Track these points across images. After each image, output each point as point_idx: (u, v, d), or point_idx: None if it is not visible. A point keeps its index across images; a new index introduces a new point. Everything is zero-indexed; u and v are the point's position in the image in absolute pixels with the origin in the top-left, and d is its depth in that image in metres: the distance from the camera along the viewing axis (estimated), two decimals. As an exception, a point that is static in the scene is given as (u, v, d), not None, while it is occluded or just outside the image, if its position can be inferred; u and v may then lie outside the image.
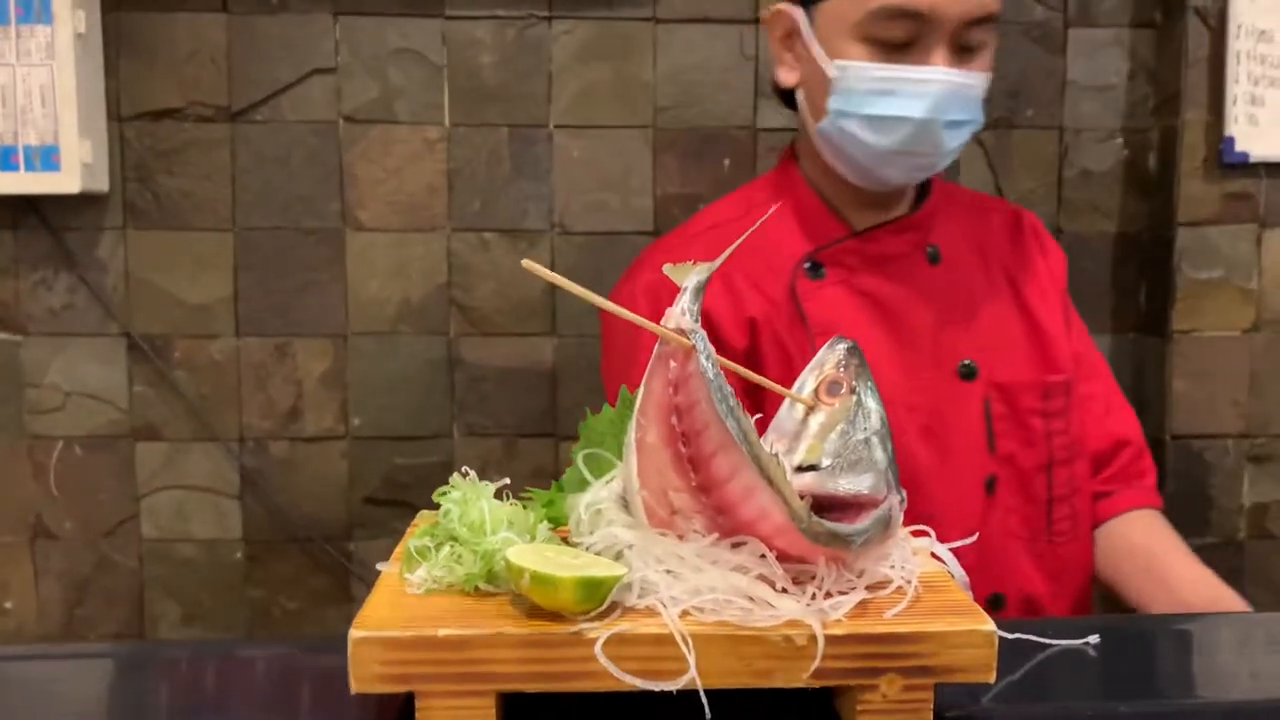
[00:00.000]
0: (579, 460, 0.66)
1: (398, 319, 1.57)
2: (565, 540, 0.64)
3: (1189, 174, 1.51)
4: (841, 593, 0.58)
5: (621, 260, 1.59)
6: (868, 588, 0.59)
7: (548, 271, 0.53)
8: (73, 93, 1.45)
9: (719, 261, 0.63)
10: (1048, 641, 0.66)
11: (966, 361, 1.15)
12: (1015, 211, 1.29)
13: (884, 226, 1.16)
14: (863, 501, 0.61)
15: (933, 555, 0.63)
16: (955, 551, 1.07)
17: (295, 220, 1.55)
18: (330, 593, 1.61)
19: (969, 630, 0.56)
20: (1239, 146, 1.50)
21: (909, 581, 0.60)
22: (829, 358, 0.66)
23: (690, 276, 0.61)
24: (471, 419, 1.59)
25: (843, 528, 0.58)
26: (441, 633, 0.55)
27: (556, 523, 0.66)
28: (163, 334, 1.56)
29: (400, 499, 1.58)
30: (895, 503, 0.61)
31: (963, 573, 0.63)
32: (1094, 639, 0.67)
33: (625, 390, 0.69)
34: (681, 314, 0.59)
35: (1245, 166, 1.51)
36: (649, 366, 0.60)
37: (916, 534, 0.63)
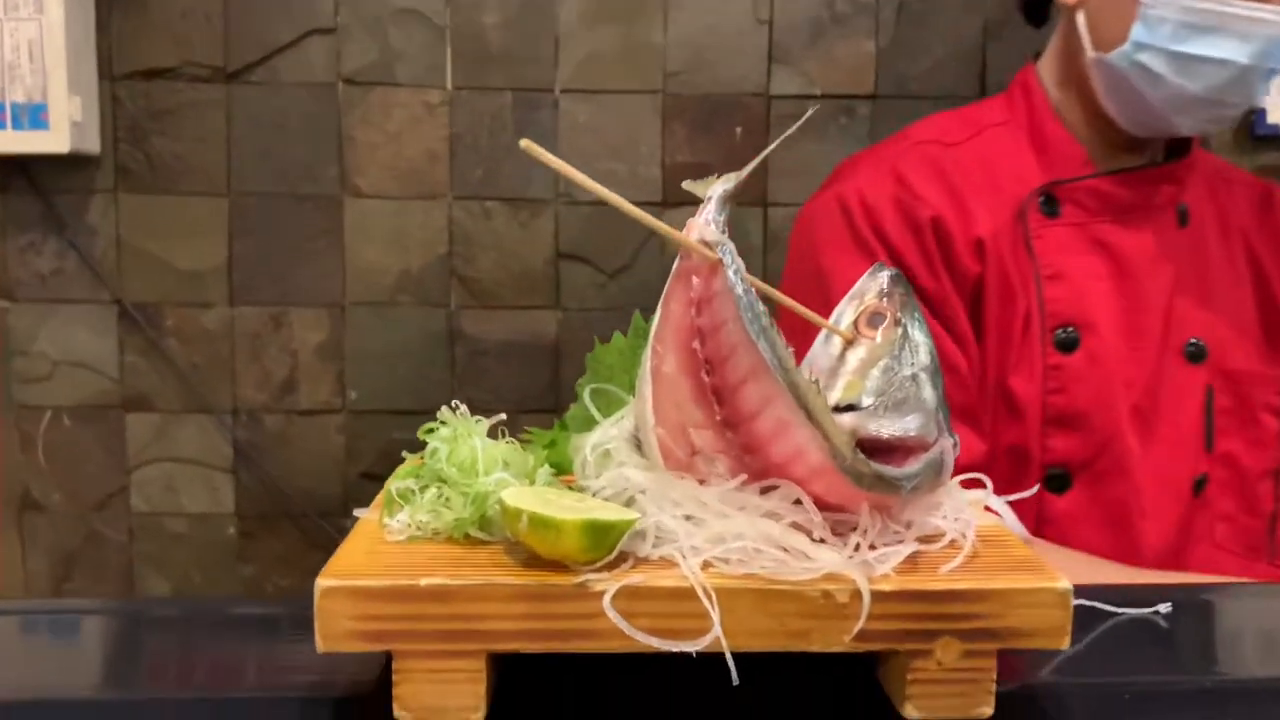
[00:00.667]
0: (585, 396, 0.56)
1: (396, 289, 1.48)
2: (569, 487, 0.55)
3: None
4: (888, 545, 0.49)
5: (629, 231, 1.50)
6: (916, 541, 0.50)
7: (548, 155, 0.45)
8: (62, 48, 1.36)
9: (747, 171, 0.54)
10: (1115, 609, 0.56)
11: (1195, 340, 0.99)
12: (1265, 187, 1.12)
13: (1137, 171, 1.00)
14: (910, 444, 0.51)
15: (986, 509, 0.54)
16: (1150, 553, 0.92)
17: (292, 186, 1.46)
18: (324, 571, 1.52)
19: (1040, 588, 0.47)
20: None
21: (964, 535, 0.50)
22: (870, 286, 0.57)
23: (716, 186, 0.52)
24: (472, 393, 1.49)
25: (892, 470, 0.48)
26: (424, 582, 0.45)
27: (560, 469, 0.57)
28: (154, 302, 1.47)
29: (397, 475, 1.49)
30: (948, 446, 0.52)
31: (1022, 527, 0.54)
32: (1165, 608, 0.58)
33: (639, 316, 0.60)
34: (706, 224, 0.50)
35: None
36: (667, 286, 0.51)
37: (968, 484, 0.54)
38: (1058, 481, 0.94)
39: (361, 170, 1.46)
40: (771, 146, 0.54)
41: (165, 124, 1.45)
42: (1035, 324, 0.96)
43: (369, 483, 1.50)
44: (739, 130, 1.47)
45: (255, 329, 1.48)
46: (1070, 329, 0.96)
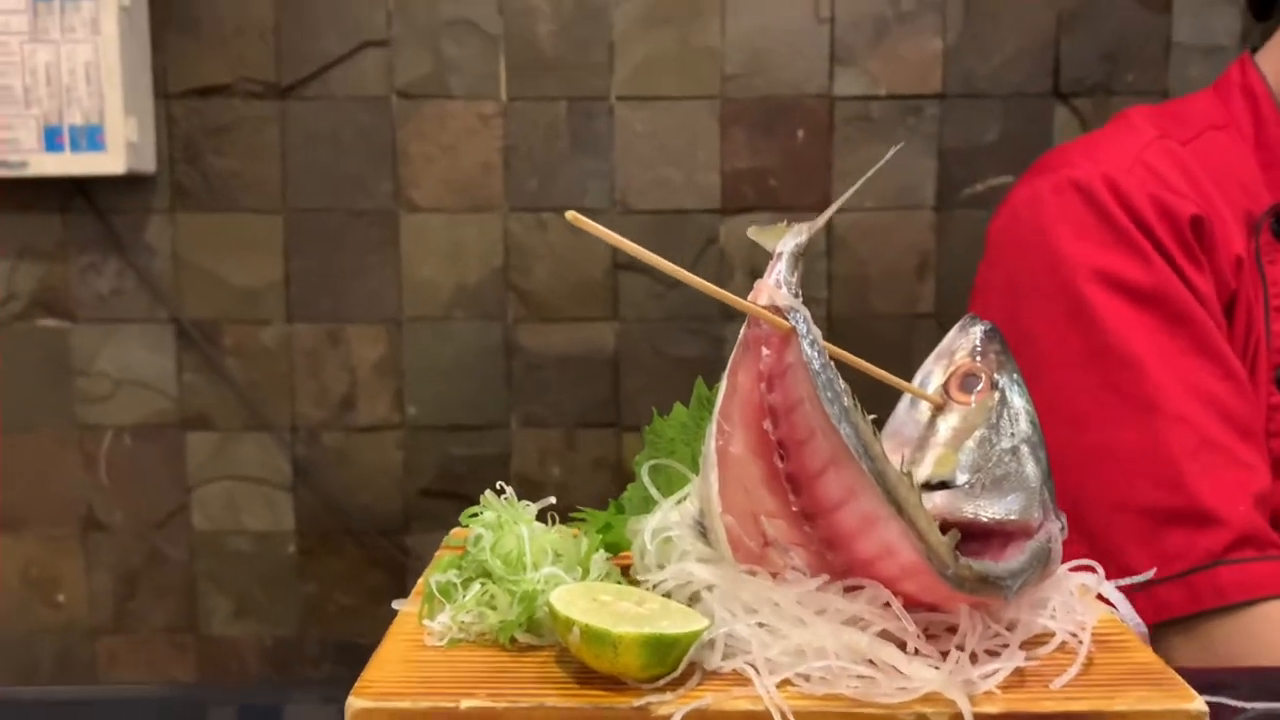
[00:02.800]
0: (643, 474, 0.50)
1: (453, 303, 1.43)
2: (625, 570, 0.48)
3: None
4: (990, 653, 0.42)
5: (689, 240, 1.43)
6: (1023, 645, 0.43)
7: (597, 226, 0.38)
8: (117, 69, 1.33)
9: (822, 220, 0.47)
10: (1241, 704, 0.49)
11: None
12: None
13: None
14: (1010, 529, 0.45)
15: (1099, 598, 0.47)
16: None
17: (347, 201, 1.42)
18: (386, 588, 1.48)
19: (1169, 710, 0.40)
20: None
21: (1078, 636, 0.43)
22: (961, 342, 0.50)
23: (786, 239, 0.46)
24: (530, 408, 1.44)
25: (995, 568, 0.41)
26: (464, 705, 0.40)
27: (615, 549, 0.51)
28: (212, 320, 1.44)
29: (457, 491, 1.44)
30: (1055, 531, 0.45)
31: (1139, 620, 0.47)
32: (1303, 702, 0.50)
33: (701, 384, 0.53)
34: (776, 286, 0.44)
35: None
36: (733, 356, 0.45)
37: (1077, 569, 0.47)
38: None
39: (416, 184, 1.42)
40: (856, 186, 0.47)
41: (220, 141, 1.41)
42: (1263, 358, 0.85)
43: (428, 499, 1.45)
44: (800, 133, 1.39)
45: (313, 345, 1.44)
46: None
